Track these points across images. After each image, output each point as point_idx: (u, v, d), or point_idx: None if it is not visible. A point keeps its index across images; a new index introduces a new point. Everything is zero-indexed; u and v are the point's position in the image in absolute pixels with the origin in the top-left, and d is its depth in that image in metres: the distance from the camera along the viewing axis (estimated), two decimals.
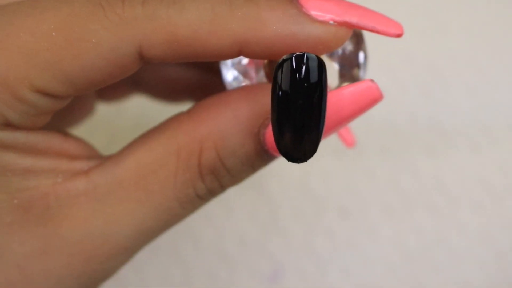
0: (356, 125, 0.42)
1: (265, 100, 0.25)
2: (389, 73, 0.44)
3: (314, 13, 0.25)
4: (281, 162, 0.41)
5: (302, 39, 0.24)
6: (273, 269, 0.39)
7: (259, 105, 0.25)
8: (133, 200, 0.25)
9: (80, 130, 0.35)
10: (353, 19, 0.25)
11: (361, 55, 0.29)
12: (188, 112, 0.26)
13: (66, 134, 0.27)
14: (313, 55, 0.23)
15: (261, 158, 0.26)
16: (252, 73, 0.29)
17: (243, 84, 0.29)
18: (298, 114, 0.23)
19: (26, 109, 0.24)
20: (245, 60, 0.29)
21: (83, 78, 0.24)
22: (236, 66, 0.29)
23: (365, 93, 0.24)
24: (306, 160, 0.24)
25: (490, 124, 0.43)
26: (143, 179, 0.25)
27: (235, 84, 0.29)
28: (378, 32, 0.26)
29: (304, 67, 0.23)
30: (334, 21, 0.25)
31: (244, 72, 0.29)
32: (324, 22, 0.25)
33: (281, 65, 0.23)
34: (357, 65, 0.28)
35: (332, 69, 0.28)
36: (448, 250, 0.40)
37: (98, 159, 0.27)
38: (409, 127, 0.43)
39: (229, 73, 0.29)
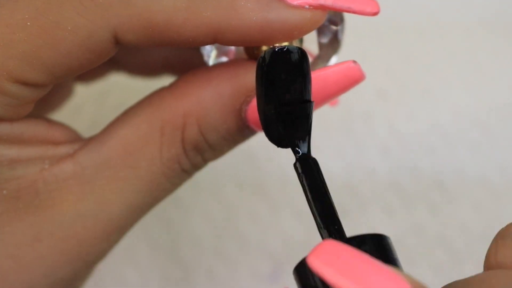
0: (356, 126, 0.42)
1: (247, 77, 0.26)
2: (389, 73, 0.44)
3: None
4: (282, 161, 0.41)
5: (277, 26, 0.24)
6: (273, 269, 0.39)
7: (241, 83, 0.26)
8: (121, 178, 0.26)
9: (60, 116, 0.35)
10: (328, 1, 0.25)
11: (337, 15, 0.29)
12: (170, 87, 0.26)
13: (49, 121, 0.27)
14: (295, 48, 0.23)
15: (242, 133, 0.26)
16: (231, 47, 0.29)
17: (223, 59, 0.29)
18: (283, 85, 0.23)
19: (7, 100, 0.24)
20: None
21: (61, 66, 0.24)
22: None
23: (347, 73, 0.25)
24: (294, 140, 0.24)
25: (490, 124, 0.43)
26: (129, 156, 0.26)
27: (214, 61, 0.29)
28: (354, 12, 0.26)
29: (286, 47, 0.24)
30: (309, 5, 0.25)
31: (222, 48, 0.29)
32: (299, 7, 0.25)
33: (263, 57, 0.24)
34: (335, 25, 0.29)
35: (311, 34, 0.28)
36: (448, 250, 0.40)
37: (82, 142, 0.27)
38: (409, 129, 0.43)
39: (207, 50, 0.29)
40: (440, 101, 0.43)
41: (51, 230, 0.25)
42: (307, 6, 0.25)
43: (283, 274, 0.39)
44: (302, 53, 0.24)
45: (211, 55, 0.29)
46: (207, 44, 0.26)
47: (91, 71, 0.35)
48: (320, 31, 0.28)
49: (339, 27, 0.29)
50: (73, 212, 0.25)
